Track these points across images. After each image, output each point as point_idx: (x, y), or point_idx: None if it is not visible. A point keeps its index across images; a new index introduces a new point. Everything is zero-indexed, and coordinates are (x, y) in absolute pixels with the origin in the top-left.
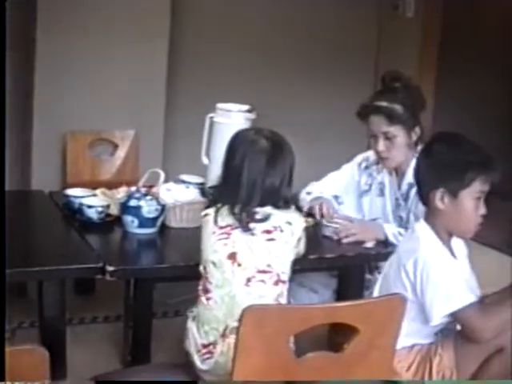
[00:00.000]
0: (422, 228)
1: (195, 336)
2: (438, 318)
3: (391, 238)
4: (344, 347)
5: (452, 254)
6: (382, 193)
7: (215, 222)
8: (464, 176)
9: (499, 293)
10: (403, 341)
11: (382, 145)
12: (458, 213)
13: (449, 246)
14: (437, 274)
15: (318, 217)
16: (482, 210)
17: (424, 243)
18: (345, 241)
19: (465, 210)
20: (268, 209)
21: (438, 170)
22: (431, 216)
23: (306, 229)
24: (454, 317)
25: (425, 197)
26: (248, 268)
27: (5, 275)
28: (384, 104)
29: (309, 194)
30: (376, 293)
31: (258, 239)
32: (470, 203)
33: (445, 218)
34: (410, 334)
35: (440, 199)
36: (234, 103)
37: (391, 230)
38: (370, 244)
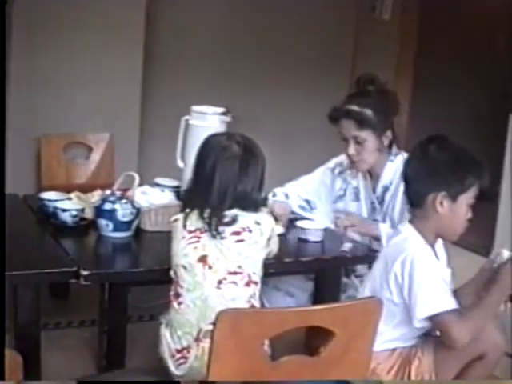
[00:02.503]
0: (408, 230)
1: (169, 341)
2: (420, 318)
3: (383, 240)
4: (320, 351)
5: (436, 257)
6: (356, 197)
7: (184, 226)
8: (465, 181)
9: (470, 285)
10: (386, 344)
11: (352, 148)
12: (452, 217)
13: (434, 249)
14: (423, 275)
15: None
16: (469, 215)
17: (412, 244)
18: (349, 230)
19: (459, 214)
20: (235, 210)
21: (441, 174)
22: (421, 218)
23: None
24: (433, 320)
25: (419, 199)
26: (219, 270)
27: (4, 276)
28: (355, 108)
29: (274, 195)
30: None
31: (228, 241)
32: (465, 208)
33: (438, 221)
34: (394, 339)
35: (440, 203)
36: (209, 105)
37: (385, 230)
38: (345, 247)
